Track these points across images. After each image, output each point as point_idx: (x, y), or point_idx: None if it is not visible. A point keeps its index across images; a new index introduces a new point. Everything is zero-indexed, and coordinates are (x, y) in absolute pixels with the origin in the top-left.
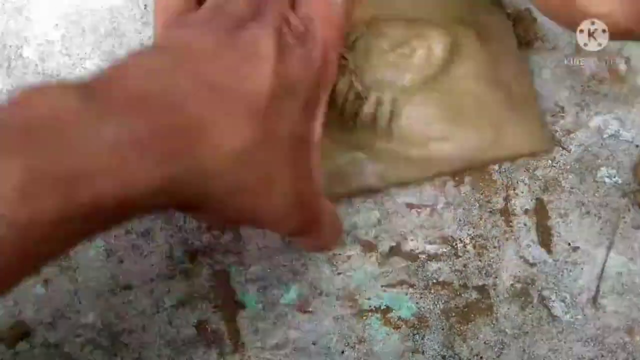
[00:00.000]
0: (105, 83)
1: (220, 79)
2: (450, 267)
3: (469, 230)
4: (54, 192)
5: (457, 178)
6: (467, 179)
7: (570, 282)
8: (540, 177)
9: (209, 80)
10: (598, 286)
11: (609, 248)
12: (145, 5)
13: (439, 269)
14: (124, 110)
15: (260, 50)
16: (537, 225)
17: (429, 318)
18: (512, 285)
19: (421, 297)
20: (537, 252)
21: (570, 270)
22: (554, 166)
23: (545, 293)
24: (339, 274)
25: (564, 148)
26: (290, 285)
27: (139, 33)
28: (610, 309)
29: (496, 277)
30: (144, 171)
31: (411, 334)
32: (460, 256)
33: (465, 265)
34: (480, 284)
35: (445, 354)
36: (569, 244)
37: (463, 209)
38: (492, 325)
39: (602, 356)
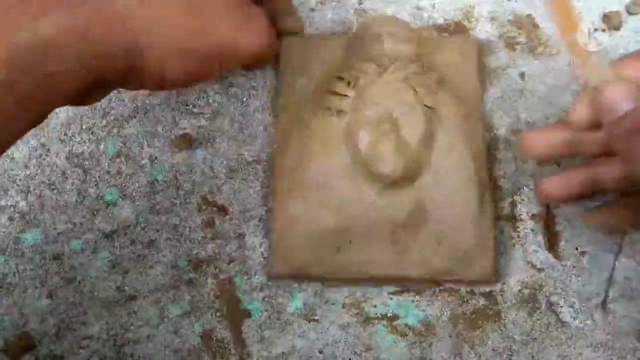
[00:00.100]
0: None
1: None
2: None
3: None
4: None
5: None
6: None
7: (578, 287)
8: None
9: None
10: (607, 291)
11: (617, 253)
12: None
13: None
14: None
15: None
16: (544, 231)
17: (436, 325)
18: (519, 291)
19: (428, 304)
20: (544, 257)
21: (579, 276)
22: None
23: (554, 298)
24: None
25: None
26: (295, 294)
27: None
28: (619, 314)
29: (504, 283)
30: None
31: (418, 342)
32: None
33: None
34: (487, 290)
35: None
36: (577, 249)
37: None
38: (500, 332)
39: None
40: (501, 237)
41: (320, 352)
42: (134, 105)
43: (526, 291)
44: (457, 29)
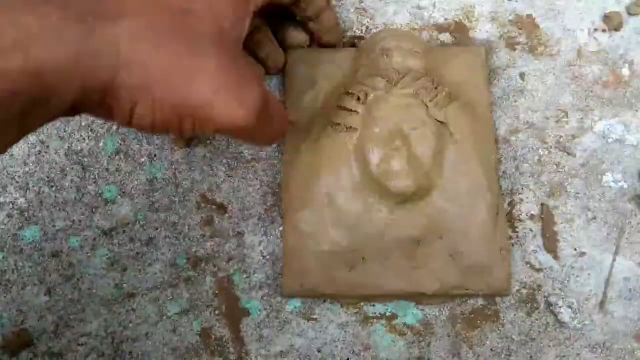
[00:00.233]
0: None
1: None
2: None
3: None
4: None
5: None
6: None
7: (577, 288)
8: (546, 183)
9: None
10: (605, 291)
11: (615, 253)
12: None
13: None
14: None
15: None
16: (543, 231)
17: (435, 325)
18: (518, 291)
19: (427, 304)
20: (543, 257)
21: (577, 276)
22: (559, 171)
23: (552, 299)
24: None
25: (568, 153)
26: None
27: None
28: (617, 314)
29: None
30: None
31: (417, 341)
32: None
33: None
34: None
35: None
36: (575, 249)
37: None
38: (499, 332)
39: None
40: None
41: (319, 350)
42: None
43: (525, 291)
44: (457, 28)
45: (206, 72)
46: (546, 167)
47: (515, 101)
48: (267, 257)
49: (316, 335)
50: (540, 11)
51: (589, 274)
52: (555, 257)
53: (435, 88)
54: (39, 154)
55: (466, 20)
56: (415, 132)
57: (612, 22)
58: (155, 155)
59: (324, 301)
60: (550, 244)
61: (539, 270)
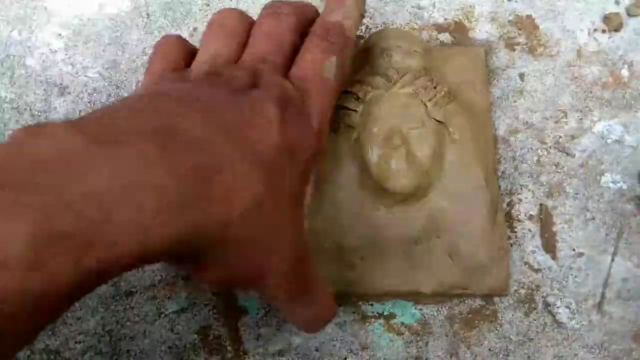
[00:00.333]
0: (107, 121)
1: (230, 127)
2: None
3: None
4: (69, 254)
5: None
6: None
7: (575, 288)
8: (545, 183)
9: (221, 125)
10: (603, 292)
11: (614, 254)
12: (148, 14)
13: None
14: (139, 148)
15: (264, 112)
16: (542, 231)
17: (433, 324)
18: (516, 291)
19: (425, 304)
20: (541, 257)
21: (575, 276)
22: (558, 172)
23: (550, 299)
24: None
25: (567, 154)
26: None
27: (141, 42)
28: (616, 315)
29: None
30: (164, 222)
31: (415, 341)
32: None
33: None
34: None
35: None
36: (574, 250)
37: None
38: (497, 332)
39: None
40: None
41: (317, 350)
42: None
43: (523, 291)
44: (457, 28)
45: (284, 251)
46: (545, 167)
47: (515, 101)
48: None
49: (314, 334)
50: (540, 12)
51: (587, 274)
52: (554, 258)
53: (435, 88)
54: None
55: (466, 20)
56: (415, 132)
57: (612, 23)
58: None
59: None
60: (549, 244)
61: (537, 270)
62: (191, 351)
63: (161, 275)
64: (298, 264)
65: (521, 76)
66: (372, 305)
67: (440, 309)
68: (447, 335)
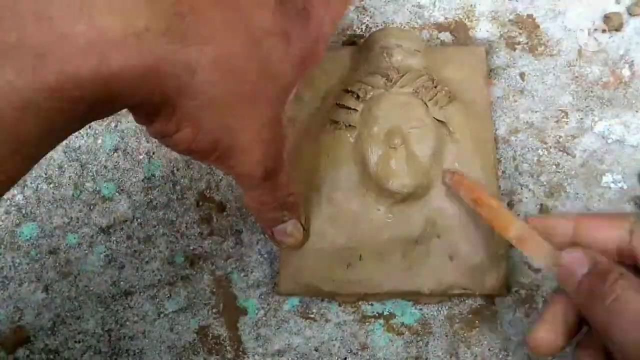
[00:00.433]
0: None
1: None
2: None
3: None
4: (20, 63)
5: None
6: None
7: None
8: (545, 183)
9: None
10: None
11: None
12: None
13: None
14: None
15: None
16: None
17: (433, 324)
18: (516, 291)
19: (425, 304)
20: None
21: None
22: (559, 172)
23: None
24: None
25: (568, 154)
26: None
27: None
28: None
29: None
30: (126, 48)
31: (414, 341)
32: None
33: None
34: None
35: None
36: None
37: None
38: (497, 332)
39: None
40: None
41: (316, 350)
42: None
43: (523, 292)
44: (457, 27)
45: (256, 123)
46: (546, 167)
47: (515, 101)
48: (265, 255)
49: (314, 334)
50: (541, 11)
51: None
52: None
53: (435, 87)
54: None
55: (466, 19)
56: (415, 131)
57: (612, 23)
58: (153, 153)
59: (322, 300)
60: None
61: (537, 270)
62: (190, 351)
63: (161, 275)
64: (271, 143)
65: (522, 76)
66: (372, 305)
67: (440, 309)
68: (447, 335)
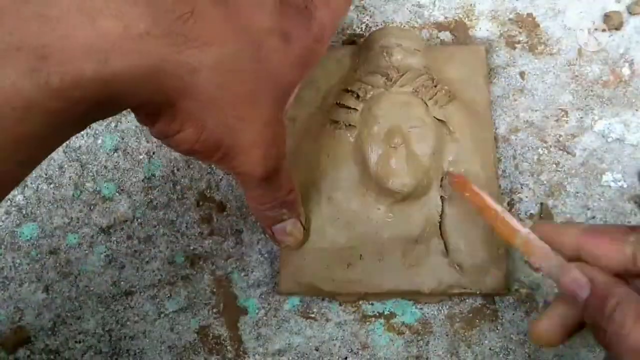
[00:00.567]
0: None
1: None
2: None
3: None
4: (21, 63)
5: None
6: None
7: None
8: (545, 182)
9: None
10: None
11: None
12: None
13: None
14: None
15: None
16: None
17: (433, 324)
18: (517, 290)
19: (425, 303)
20: None
21: None
22: (559, 170)
23: (551, 298)
24: None
25: (568, 152)
26: None
27: None
28: None
29: None
30: (128, 49)
31: (415, 340)
32: None
33: None
34: None
35: None
36: None
37: None
38: (497, 331)
39: None
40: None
41: (317, 349)
42: None
43: (523, 291)
44: (457, 27)
45: (257, 123)
46: (546, 166)
47: (515, 100)
48: (266, 255)
49: (314, 334)
50: (541, 10)
51: None
52: None
53: (435, 86)
54: None
55: (466, 18)
56: (415, 131)
57: (612, 22)
58: (153, 153)
59: (322, 300)
60: None
61: (537, 269)
62: (191, 351)
63: (161, 275)
64: (272, 143)
65: (522, 75)
66: (372, 304)
67: (440, 308)
68: (447, 335)
